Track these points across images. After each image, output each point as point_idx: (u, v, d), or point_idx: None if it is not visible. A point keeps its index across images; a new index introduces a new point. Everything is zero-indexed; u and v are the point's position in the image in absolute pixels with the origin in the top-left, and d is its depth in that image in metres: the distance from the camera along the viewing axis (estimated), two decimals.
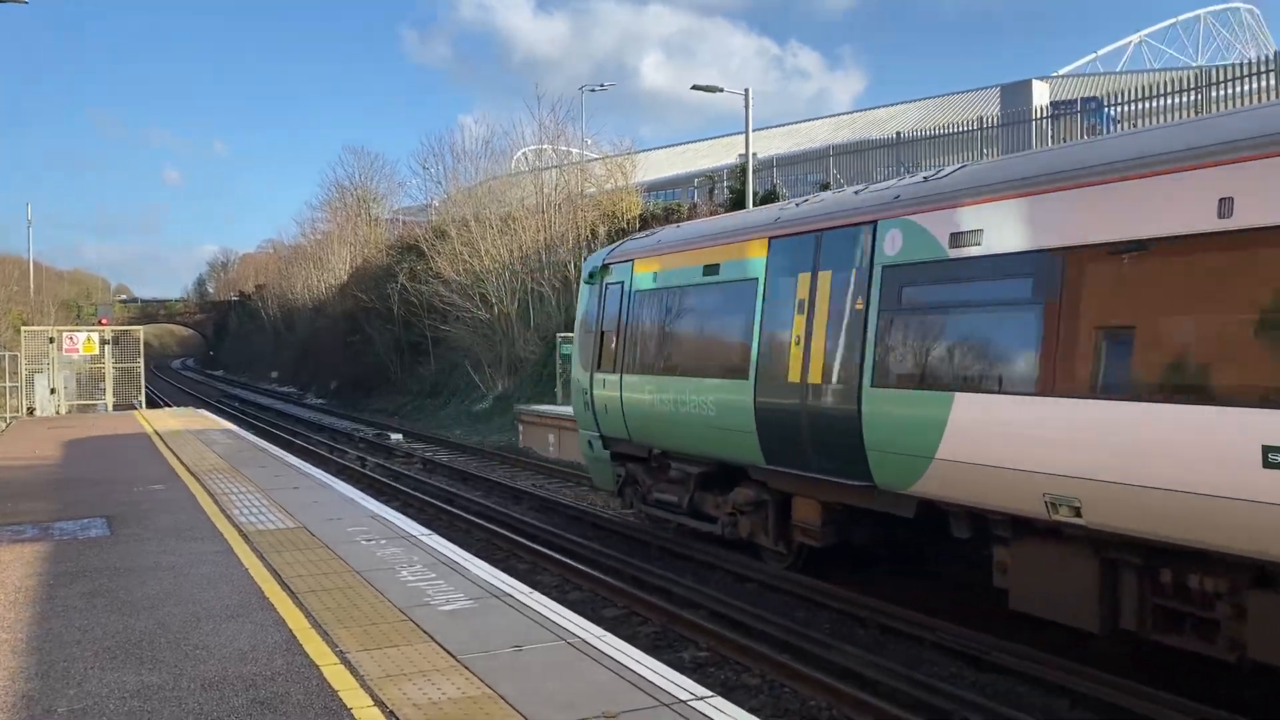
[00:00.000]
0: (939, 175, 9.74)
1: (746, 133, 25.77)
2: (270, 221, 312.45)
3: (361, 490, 15.34)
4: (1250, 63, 21.89)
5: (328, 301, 61.09)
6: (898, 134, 30.57)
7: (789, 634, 9.61)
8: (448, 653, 6.39)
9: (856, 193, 10.85)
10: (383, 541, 9.97)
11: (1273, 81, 19.43)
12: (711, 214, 32.65)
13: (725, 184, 35.25)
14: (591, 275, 15.32)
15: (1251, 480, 6.37)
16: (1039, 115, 26.15)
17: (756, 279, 11.39)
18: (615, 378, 14.11)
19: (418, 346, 45.19)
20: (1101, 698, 7.73)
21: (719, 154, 51.71)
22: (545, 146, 42.41)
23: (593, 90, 53.09)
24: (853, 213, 10.21)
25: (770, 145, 47.01)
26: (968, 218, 8.71)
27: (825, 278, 10.34)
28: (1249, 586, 6.89)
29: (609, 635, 6.95)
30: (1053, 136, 24.79)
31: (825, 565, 11.57)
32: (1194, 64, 50.15)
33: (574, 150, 42.36)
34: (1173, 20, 62.25)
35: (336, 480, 15.20)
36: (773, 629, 9.79)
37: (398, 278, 43.74)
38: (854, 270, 9.91)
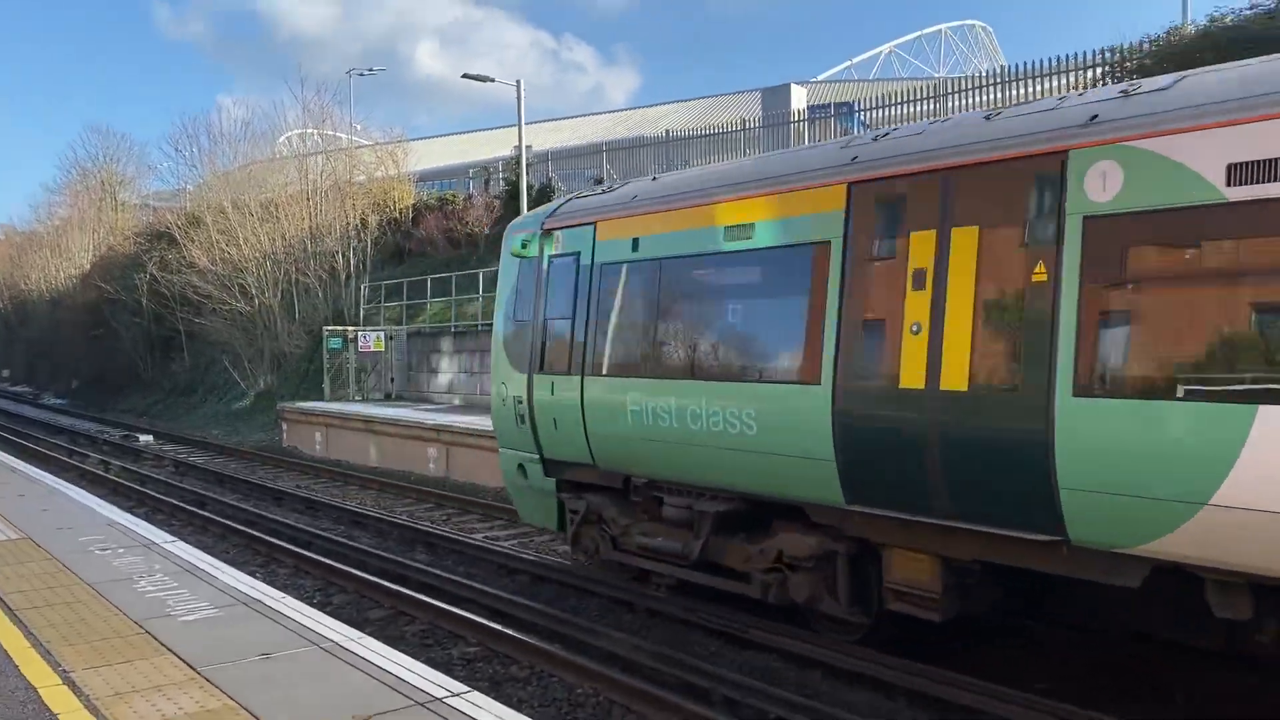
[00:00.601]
0: (1155, 88, 6.66)
1: (519, 125, 25.67)
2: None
3: (101, 497, 14.15)
4: (982, 75, 23.95)
5: (68, 293, 56.08)
6: (667, 132, 31.31)
7: (559, 623, 9.64)
8: (187, 665, 5.98)
9: (988, 117, 7.61)
10: (120, 550, 9.24)
11: (999, 94, 21.25)
12: (488, 206, 32.47)
13: (501, 175, 34.98)
14: (524, 245, 11.28)
15: None
16: (798, 118, 27.48)
17: (828, 242, 7.97)
18: (571, 382, 10.34)
19: (170, 341, 42.26)
20: (849, 668, 8.20)
21: (496, 145, 51.28)
22: (311, 131, 40.62)
23: (362, 74, 51.28)
24: (1019, 141, 7.00)
25: (548, 138, 47.04)
26: (1269, 138, 5.68)
27: (966, 237, 7.11)
28: None
29: (367, 638, 6.73)
30: (810, 138, 26.12)
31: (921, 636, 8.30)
32: (936, 74, 54.20)
33: (342, 136, 40.82)
34: (919, 33, 67.05)
35: (72, 487, 13.99)
36: (542, 619, 9.80)
37: (147, 267, 40.71)
38: (1025, 225, 6.88)
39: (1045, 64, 20.27)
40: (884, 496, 7.63)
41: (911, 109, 23.59)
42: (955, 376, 7.04)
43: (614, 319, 10.17)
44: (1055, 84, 19.77)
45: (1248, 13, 16.04)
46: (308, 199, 36.18)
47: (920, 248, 7.37)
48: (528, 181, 27.65)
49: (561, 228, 10.96)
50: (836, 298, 7.85)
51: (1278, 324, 5.79)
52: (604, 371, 10.10)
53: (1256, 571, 5.88)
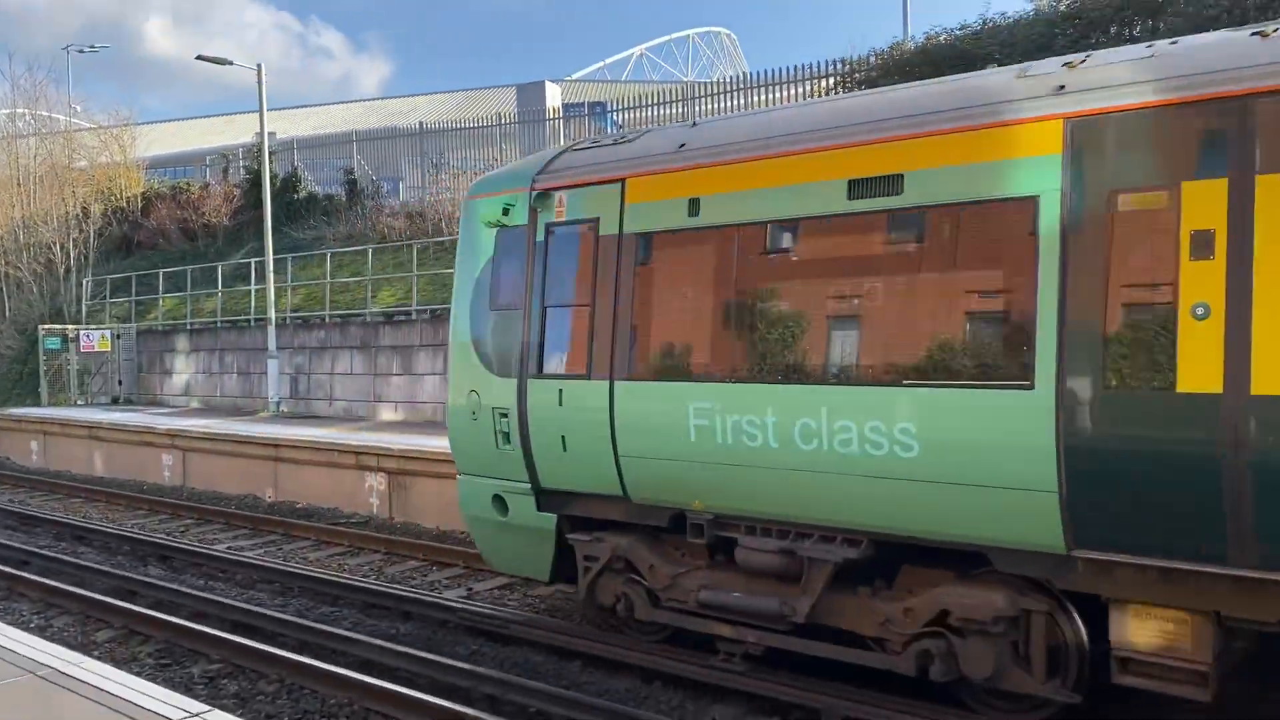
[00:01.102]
0: None
1: (261, 111, 24.34)
2: None
3: None
4: (727, 80, 25.03)
5: None
6: (421, 124, 30.69)
7: (310, 633, 9.25)
8: None
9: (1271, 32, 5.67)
10: None
11: (743, 100, 22.26)
12: (227, 195, 30.62)
13: (242, 164, 33.09)
14: (506, 212, 8.64)
15: None
16: (553, 115, 27.66)
17: (1033, 198, 5.96)
18: (593, 390, 7.96)
19: None
20: (610, 657, 8.36)
21: (238, 131, 48.42)
22: (22, 111, 36.82)
23: (82, 51, 47.00)
24: None
25: (294, 126, 44.95)
26: None
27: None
28: None
29: (92, 661, 6.21)
30: (565, 137, 26.37)
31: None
32: (684, 78, 56.11)
33: (60, 117, 37.25)
34: (668, 37, 69.14)
35: None
36: (294, 631, 9.37)
37: None
38: None
39: (785, 72, 21.41)
40: (1136, 538, 5.72)
41: (662, 111, 24.29)
42: (1271, 376, 5.25)
43: (663, 306, 7.78)
44: (793, 91, 20.92)
45: (958, 32, 17.62)
46: (18, 185, 32.80)
47: (1202, 202, 5.49)
48: (271, 171, 26.31)
49: (566, 187, 8.34)
50: (1055, 271, 5.82)
51: None
52: (648, 375, 7.71)
53: None
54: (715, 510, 7.50)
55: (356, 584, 10.90)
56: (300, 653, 8.66)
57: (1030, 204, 5.99)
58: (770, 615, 7.27)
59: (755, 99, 21.81)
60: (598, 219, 8.10)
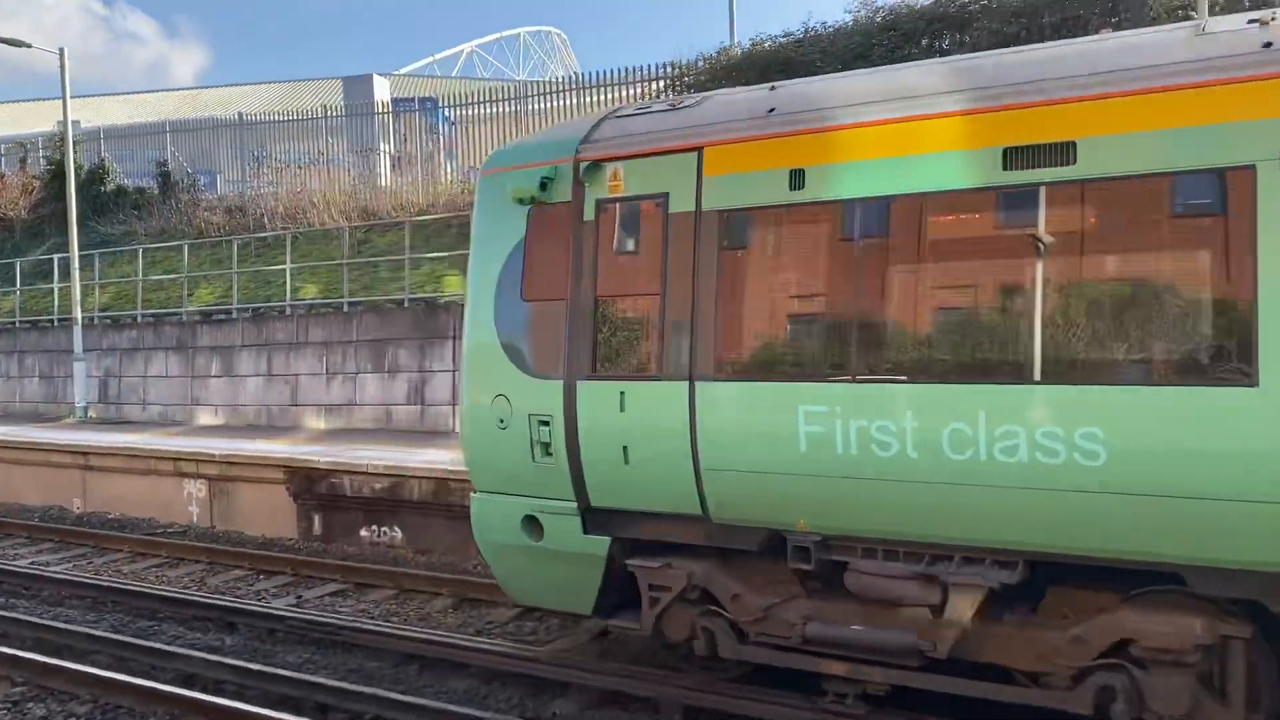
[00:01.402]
0: None
1: (64, 98, 22.81)
2: None
3: None
4: (559, 80, 25.11)
5: None
6: (241, 115, 29.44)
7: (122, 648, 8.78)
8: None
9: None
10: None
11: (575, 100, 22.37)
12: (26, 187, 28.51)
13: (43, 154, 30.88)
14: (543, 186, 7.35)
15: None
16: (382, 109, 27.06)
17: (1248, 168, 5.24)
18: (667, 392, 6.80)
19: None
20: (447, 658, 8.28)
21: (38, 119, 45.14)
22: None
23: None
24: None
25: (101, 115, 42.19)
26: None
27: None
28: None
29: None
30: (395, 131, 25.85)
31: None
32: (516, 76, 55.86)
33: None
34: (499, 35, 68.55)
35: None
36: (104, 646, 8.87)
37: None
38: None
39: (616, 74, 21.63)
40: None
41: (494, 109, 24.14)
42: None
43: (759, 294, 6.74)
44: (624, 93, 21.17)
45: (782, 40, 18.26)
46: None
47: None
48: (77, 162, 24.69)
49: (623, 157, 7.13)
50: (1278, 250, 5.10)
51: None
52: (741, 374, 6.59)
53: None
54: (825, 530, 6.37)
55: (177, 596, 10.40)
56: (115, 670, 8.21)
57: (1246, 175, 5.20)
58: (902, 650, 6.19)
59: (587, 99, 21.95)
60: (666, 194, 6.89)
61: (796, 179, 6.41)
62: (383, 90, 30.89)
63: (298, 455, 14.01)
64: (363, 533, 13.15)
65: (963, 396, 5.79)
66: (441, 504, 12.28)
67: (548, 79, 30.58)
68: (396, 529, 12.88)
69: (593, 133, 7.43)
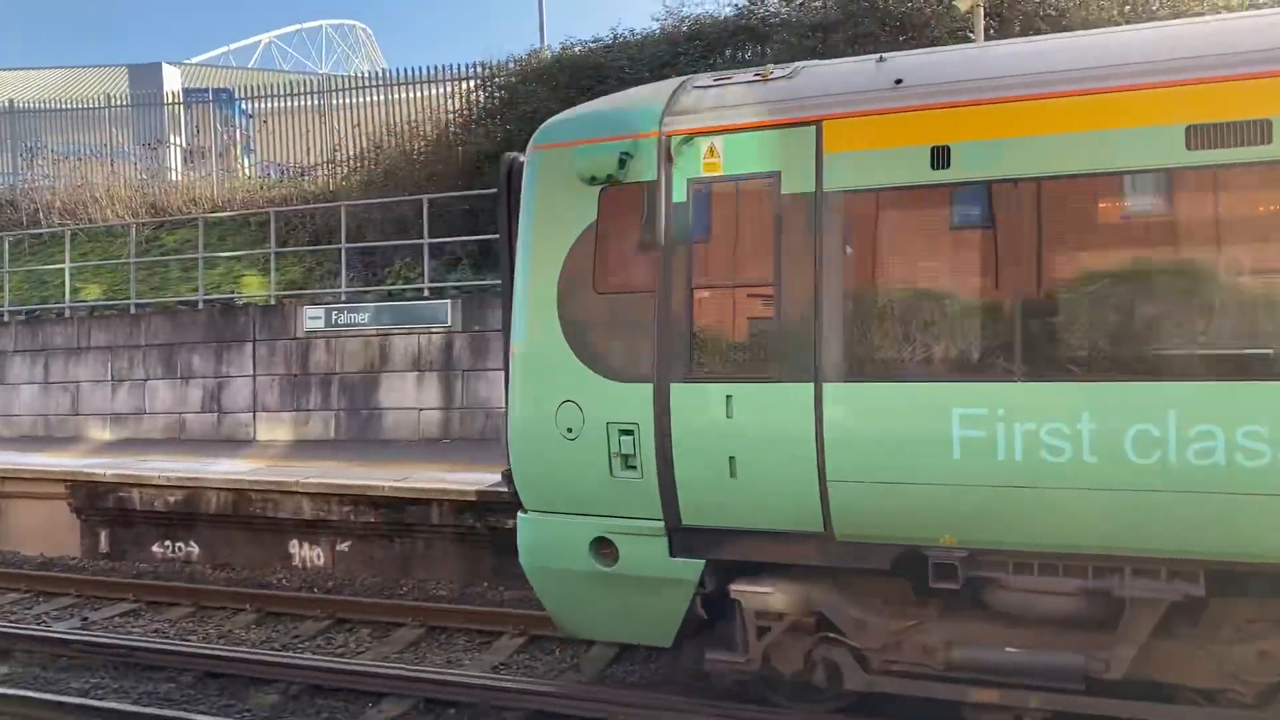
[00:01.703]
0: None
1: None
2: None
3: None
4: (365, 76, 24.45)
5: None
6: (11, 102, 27.16)
7: None
8: None
9: None
10: None
11: (382, 96, 21.84)
12: None
13: None
14: (623, 163, 6.45)
15: None
16: (172, 100, 25.61)
17: None
18: (787, 395, 6.08)
19: None
20: (256, 675, 7.94)
21: None
22: None
23: None
24: None
25: None
26: None
27: None
28: None
29: None
30: (187, 123, 24.50)
31: None
32: (318, 69, 53.99)
33: None
34: (299, 26, 65.98)
35: None
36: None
37: None
38: None
39: (425, 71, 21.26)
40: None
41: (296, 103, 23.25)
42: None
43: (898, 284, 6.10)
44: (433, 91, 20.83)
45: (591, 45, 18.44)
46: None
47: None
48: None
49: (721, 131, 6.36)
50: None
51: None
52: (879, 374, 5.97)
53: None
54: (974, 545, 5.78)
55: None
56: None
57: None
58: (1068, 673, 5.74)
59: (395, 96, 21.49)
60: (778, 173, 6.17)
61: (941, 157, 5.82)
62: (173, 80, 29.29)
63: (81, 468, 13.07)
64: (155, 549, 12.40)
65: (1151, 395, 5.32)
66: (241, 516, 11.74)
67: (353, 74, 29.67)
68: (193, 544, 12.22)
69: (674, 104, 6.58)
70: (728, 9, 17.80)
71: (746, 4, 17.62)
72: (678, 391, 6.29)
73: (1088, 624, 5.75)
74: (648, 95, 6.98)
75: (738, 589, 6.37)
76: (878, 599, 6.29)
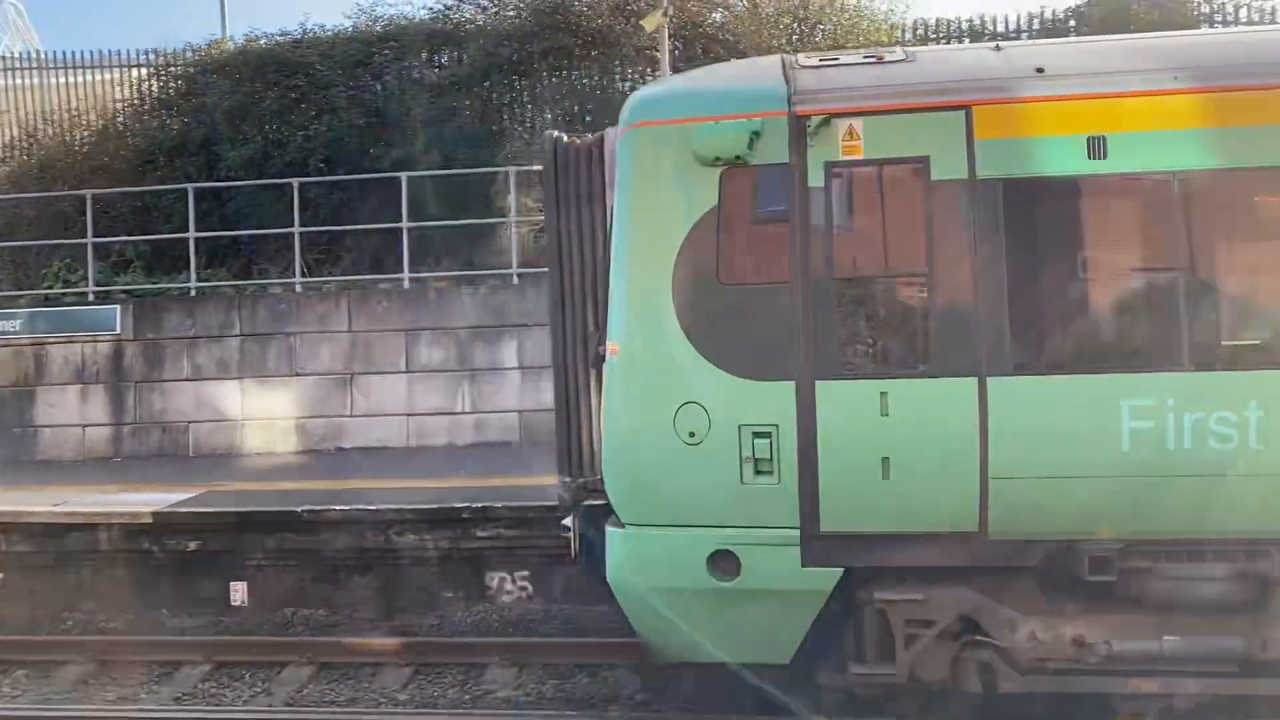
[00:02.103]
0: None
1: None
2: None
3: None
4: (18, 57, 21.96)
5: None
6: None
7: None
8: None
9: None
10: None
11: (38, 79, 19.73)
12: None
13: None
14: (751, 144, 6.01)
15: None
16: None
17: None
18: (947, 391, 5.81)
19: None
20: None
21: None
22: None
23: None
24: None
25: None
26: None
27: None
28: None
29: None
30: None
31: None
32: None
33: None
34: None
35: None
36: None
37: None
38: None
39: (89, 56, 19.46)
40: None
41: None
42: None
43: (1059, 275, 6.03)
44: (99, 76, 19.11)
45: (279, 38, 17.59)
46: None
47: None
48: None
49: (861, 112, 6.02)
50: None
51: None
52: (1047, 367, 5.87)
53: None
54: (1130, 536, 5.84)
55: None
56: None
57: None
58: (1226, 655, 5.88)
59: (53, 80, 19.51)
60: (926, 158, 5.94)
61: (1097, 147, 5.82)
62: None
63: None
64: None
65: None
66: None
67: (3, 54, 26.49)
68: None
69: (796, 82, 6.21)
70: (423, 11, 17.66)
71: (442, 8, 17.52)
72: (825, 390, 5.94)
73: (1240, 608, 5.84)
74: (758, 73, 6.62)
75: (885, 596, 6.10)
76: (1026, 597, 6.10)
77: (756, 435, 5.99)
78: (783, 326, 5.96)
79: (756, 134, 6.01)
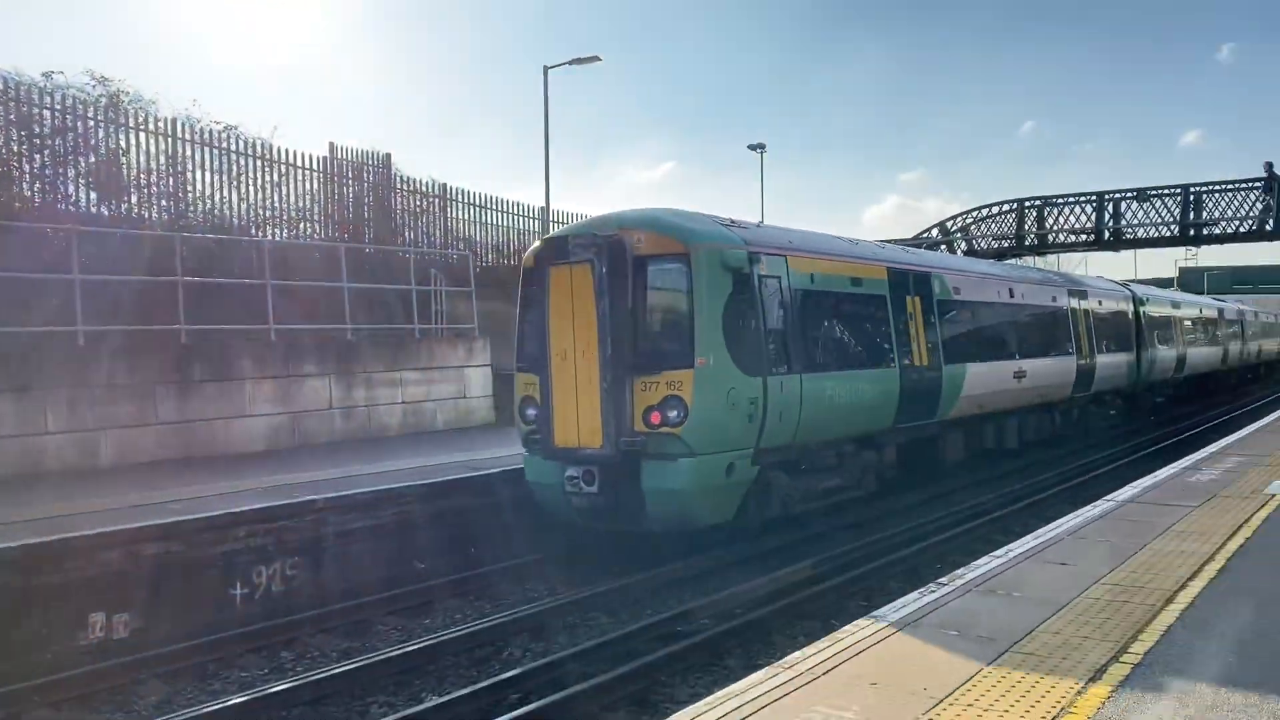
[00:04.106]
0: None
1: None
2: None
3: None
4: None
5: None
6: None
7: None
8: None
9: None
10: None
11: None
12: None
13: None
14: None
15: None
16: None
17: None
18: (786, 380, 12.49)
19: None
20: None
21: None
22: None
23: None
24: None
25: None
26: None
27: None
28: None
29: None
30: None
31: None
32: None
33: None
34: None
35: None
36: None
37: None
38: None
39: None
40: None
41: None
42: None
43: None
44: None
45: None
46: None
47: None
48: None
49: (770, 253, 12.77)
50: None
51: None
52: (808, 370, 13.06)
53: None
54: (820, 441, 13.43)
55: None
56: None
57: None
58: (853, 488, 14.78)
59: None
60: (779, 276, 12.68)
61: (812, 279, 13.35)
62: None
63: None
64: None
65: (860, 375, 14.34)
66: None
67: None
68: None
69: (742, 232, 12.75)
70: None
71: None
72: (772, 380, 12.14)
73: (862, 465, 14.15)
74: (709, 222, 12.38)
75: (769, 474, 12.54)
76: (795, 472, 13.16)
77: (750, 401, 11.48)
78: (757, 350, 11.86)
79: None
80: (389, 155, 22.90)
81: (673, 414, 10.87)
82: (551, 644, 9.14)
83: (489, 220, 26.38)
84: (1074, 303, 21.29)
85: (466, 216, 25.66)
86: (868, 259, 14.42)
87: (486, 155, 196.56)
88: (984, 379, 16.45)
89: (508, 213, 26.93)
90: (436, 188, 24.58)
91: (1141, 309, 25.86)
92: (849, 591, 10.67)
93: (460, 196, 25.37)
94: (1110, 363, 22.81)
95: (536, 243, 12.58)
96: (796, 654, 5.83)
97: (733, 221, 12.23)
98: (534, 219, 27.55)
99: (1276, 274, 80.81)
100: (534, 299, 11.86)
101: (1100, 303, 23.00)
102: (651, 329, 11.37)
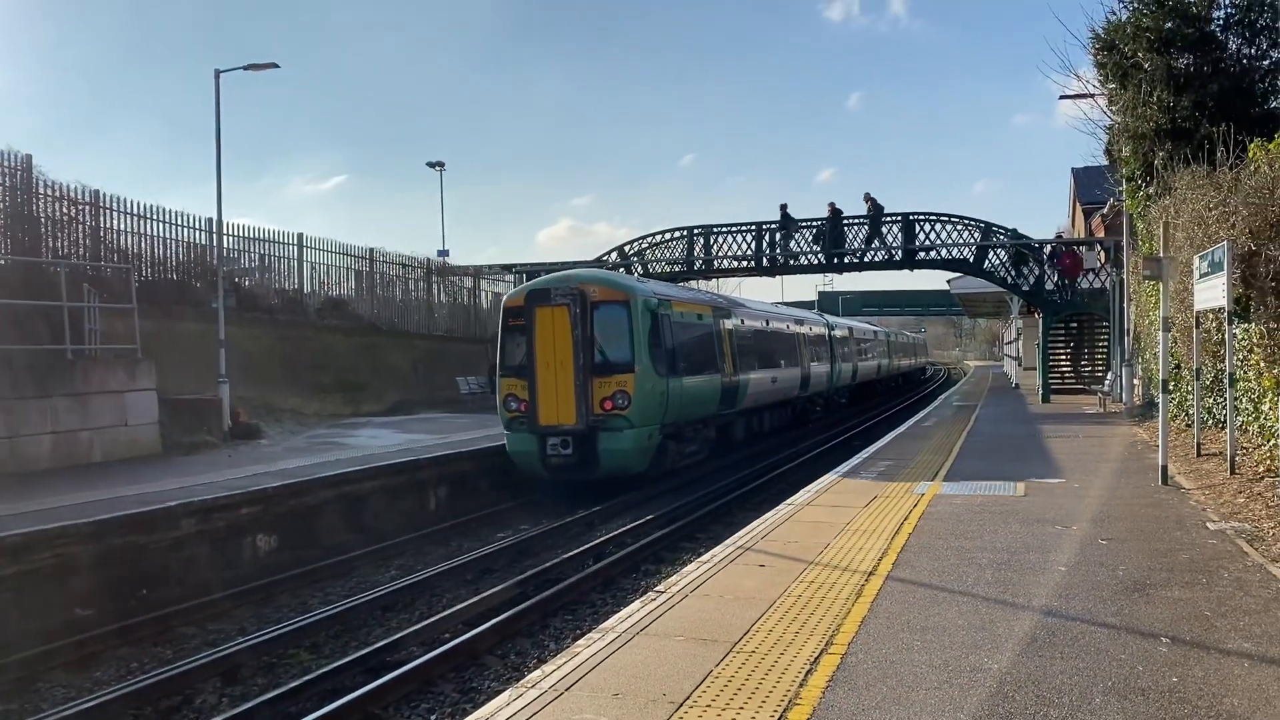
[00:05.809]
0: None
1: None
2: None
3: None
4: None
5: None
6: None
7: None
8: None
9: None
10: None
11: None
12: None
13: None
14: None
15: None
16: None
17: None
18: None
19: None
20: None
21: None
22: None
23: None
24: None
25: None
26: None
27: None
28: None
29: None
30: None
31: None
32: None
33: None
34: None
35: None
36: None
37: None
38: None
39: None
40: None
41: None
42: None
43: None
44: None
45: None
46: None
47: None
48: None
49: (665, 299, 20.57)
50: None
51: None
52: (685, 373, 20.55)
53: None
54: (695, 418, 21.63)
55: None
56: None
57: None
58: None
59: None
60: (663, 310, 19.54)
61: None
62: None
63: None
64: None
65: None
66: None
67: None
68: None
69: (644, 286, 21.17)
70: None
71: None
72: (674, 379, 19.61)
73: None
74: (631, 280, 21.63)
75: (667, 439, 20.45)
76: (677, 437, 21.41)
77: (661, 394, 18.41)
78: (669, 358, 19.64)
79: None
80: (29, 157, 20.49)
81: (620, 401, 17.44)
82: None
83: (151, 231, 24.28)
84: (798, 329, 30.31)
85: (125, 227, 23.49)
86: (704, 300, 22.61)
87: (143, 159, 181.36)
88: (759, 382, 24.37)
89: (172, 224, 24.90)
90: (88, 194, 22.32)
91: (832, 332, 35.82)
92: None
93: (116, 205, 23.15)
94: (819, 371, 32.13)
95: (521, 289, 18.95)
96: (537, 673, 5.88)
97: (645, 278, 21.54)
98: (201, 230, 25.67)
99: (898, 298, 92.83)
100: (520, 328, 17.87)
101: (810, 329, 32.37)
102: (605, 347, 17.67)
